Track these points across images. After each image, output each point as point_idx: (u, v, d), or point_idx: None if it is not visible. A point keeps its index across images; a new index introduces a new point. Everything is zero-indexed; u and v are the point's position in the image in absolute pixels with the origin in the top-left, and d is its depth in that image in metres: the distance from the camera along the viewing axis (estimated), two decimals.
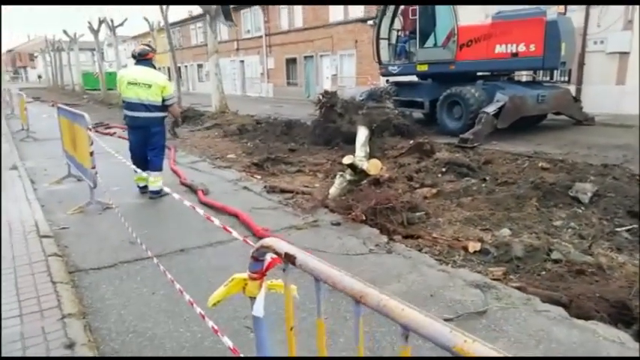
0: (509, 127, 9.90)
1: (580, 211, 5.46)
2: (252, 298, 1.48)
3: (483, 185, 6.66)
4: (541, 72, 13.45)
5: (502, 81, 11.23)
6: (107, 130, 13.36)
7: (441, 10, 11.17)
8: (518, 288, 3.53)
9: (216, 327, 2.04)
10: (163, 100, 5.73)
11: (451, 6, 10.92)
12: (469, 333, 2.69)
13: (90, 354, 2.59)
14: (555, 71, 13.19)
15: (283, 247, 1.28)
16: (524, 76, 13.12)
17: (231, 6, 17.76)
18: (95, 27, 30.86)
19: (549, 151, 8.26)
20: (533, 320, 2.99)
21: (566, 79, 13.99)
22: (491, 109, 9.62)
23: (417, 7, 11.52)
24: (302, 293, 1.57)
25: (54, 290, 3.29)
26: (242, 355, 1.81)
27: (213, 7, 15.20)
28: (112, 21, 29.87)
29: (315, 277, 1.17)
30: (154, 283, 3.55)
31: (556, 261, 4.10)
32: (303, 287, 1.70)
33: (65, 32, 37.68)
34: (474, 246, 4.50)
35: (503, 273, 3.98)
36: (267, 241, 1.35)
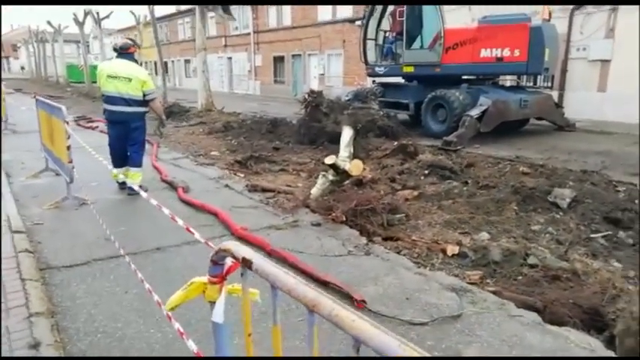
0: (492, 131, 9.98)
1: (558, 216, 5.52)
2: (213, 303, 1.44)
3: (465, 188, 6.69)
4: (525, 77, 13.59)
5: (486, 85, 11.31)
6: (89, 124, 13.16)
7: (428, 12, 11.19)
8: (494, 292, 3.55)
9: (182, 330, 2.00)
10: (144, 95, 5.64)
11: (438, 8, 10.97)
12: (443, 337, 2.67)
13: (55, 354, 2.53)
14: (539, 77, 13.33)
15: (241, 251, 1.25)
16: (508, 80, 13.25)
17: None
18: (80, 19, 30.34)
19: (530, 156, 8.34)
20: (507, 325, 3.00)
21: (549, 84, 14.17)
22: (474, 112, 9.68)
23: (404, 8, 11.54)
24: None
25: (22, 288, 3.21)
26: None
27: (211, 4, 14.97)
28: (97, 13, 29.41)
29: (271, 283, 1.14)
30: (127, 282, 3.48)
31: (532, 266, 4.14)
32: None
33: (49, 23, 36.97)
34: (452, 249, 4.52)
35: (480, 277, 4.00)
36: (226, 244, 1.32)
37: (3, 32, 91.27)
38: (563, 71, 13.89)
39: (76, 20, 30.30)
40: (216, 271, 1.38)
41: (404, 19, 11.65)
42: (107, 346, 2.72)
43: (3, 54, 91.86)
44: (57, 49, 40.48)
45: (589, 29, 13.34)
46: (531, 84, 13.72)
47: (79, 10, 30.16)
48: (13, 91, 27.06)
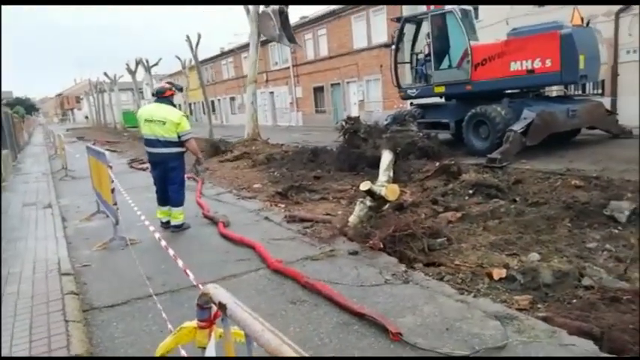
0: (540, 144, 9.54)
1: (616, 231, 5.13)
2: (204, 349, 1.39)
3: (512, 207, 6.38)
4: (573, 86, 13.00)
5: (529, 98, 10.90)
6: (141, 166, 13.79)
7: (454, 31, 11.09)
8: (545, 319, 3.29)
9: None
10: (179, 137, 5.83)
11: (461, 26, 10.85)
12: None
13: None
14: (587, 84, 12.71)
15: (219, 295, 1.20)
16: (554, 91, 12.71)
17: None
18: (132, 68, 32.41)
19: (583, 168, 7.86)
20: (559, 355, 2.75)
21: (600, 91, 13.46)
22: (518, 126, 9.31)
23: (430, 30, 11.54)
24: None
25: (65, 330, 3.31)
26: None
27: (277, 32, 15.66)
28: (147, 61, 31.28)
29: (242, 329, 1.09)
30: (163, 321, 3.50)
31: (588, 287, 3.82)
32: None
33: (106, 74, 39.80)
34: (498, 273, 4.26)
35: (529, 302, 3.73)
36: (206, 288, 1.28)
37: (67, 87, 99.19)
38: (614, 76, 13.16)
39: (128, 69, 32.38)
40: (203, 316, 1.34)
41: (430, 40, 11.61)
42: None
43: (68, 106, 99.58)
44: (114, 98, 43.35)
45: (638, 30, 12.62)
46: (580, 92, 13.11)
47: (131, 59, 32.33)
48: (76, 139, 29.00)
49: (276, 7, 15.33)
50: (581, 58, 9.43)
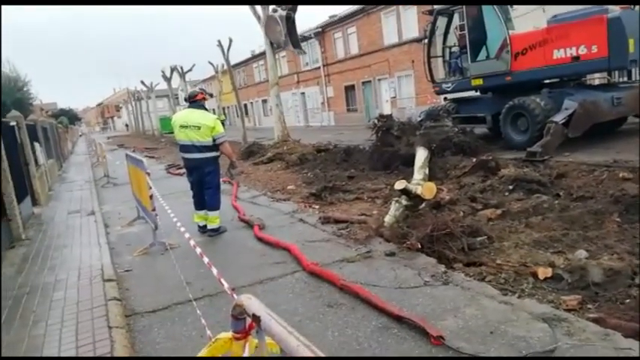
0: (583, 135, 9.13)
1: None
2: None
3: (556, 202, 6.13)
4: (617, 73, 12.39)
5: (570, 87, 10.45)
6: (178, 171, 14.10)
7: (490, 21, 10.74)
8: (596, 320, 3.12)
9: None
10: (214, 140, 5.90)
11: (499, 15, 10.49)
12: None
13: None
14: (634, 70, 12.06)
15: (252, 306, 1.17)
16: (596, 79, 12.14)
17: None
18: (168, 75, 33.23)
19: (631, 159, 7.45)
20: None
21: None
22: (559, 117, 8.93)
23: (465, 21, 11.22)
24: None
25: (109, 335, 3.38)
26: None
27: (282, 38, 15.84)
28: (181, 68, 32.00)
29: (277, 342, 1.05)
30: (203, 326, 3.54)
31: None
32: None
33: (142, 82, 40.98)
34: (544, 272, 4.08)
35: (578, 302, 3.55)
36: (240, 299, 1.25)
37: (107, 96, 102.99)
38: None
39: (164, 76, 33.23)
40: (238, 327, 1.31)
41: (465, 31, 11.29)
42: None
43: (108, 115, 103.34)
44: (151, 105, 44.61)
45: None
46: (626, 79, 12.46)
47: (167, 67, 33.37)
48: (117, 147, 30.00)
49: (283, 12, 15.40)
50: (631, 42, 8.93)
